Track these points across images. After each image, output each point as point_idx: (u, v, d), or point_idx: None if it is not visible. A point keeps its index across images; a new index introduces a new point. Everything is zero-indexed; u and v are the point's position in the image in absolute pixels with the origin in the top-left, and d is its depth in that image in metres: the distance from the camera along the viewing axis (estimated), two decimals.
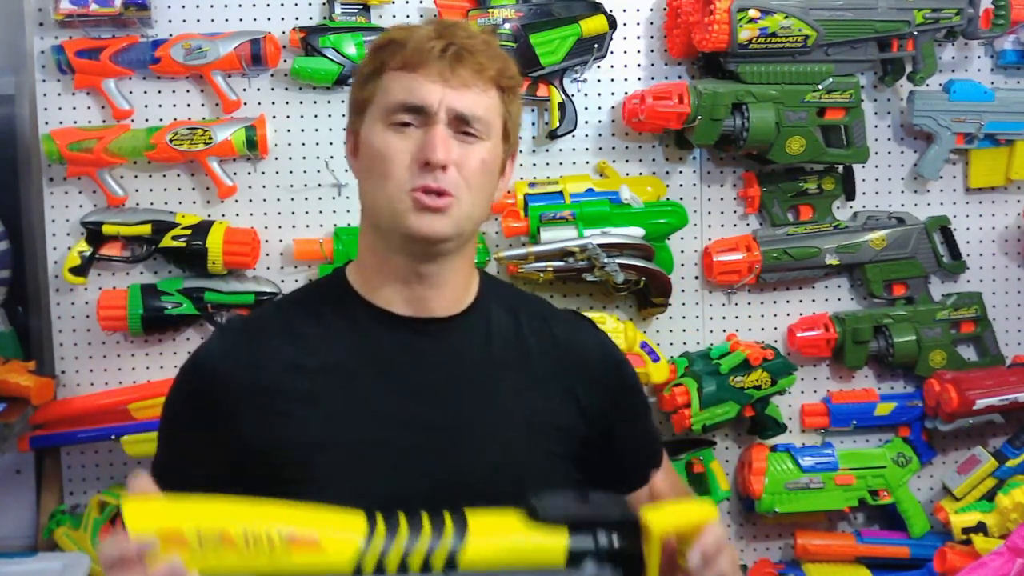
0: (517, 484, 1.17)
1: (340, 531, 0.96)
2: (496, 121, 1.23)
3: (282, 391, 1.20)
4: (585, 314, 2.12)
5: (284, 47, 2.13)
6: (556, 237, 2.09)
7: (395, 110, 1.20)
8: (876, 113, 2.28)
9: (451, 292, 1.26)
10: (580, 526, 1.00)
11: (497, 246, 2.18)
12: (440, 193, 1.17)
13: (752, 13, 2.05)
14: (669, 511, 1.03)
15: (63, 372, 2.14)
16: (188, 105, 2.13)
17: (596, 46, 2.15)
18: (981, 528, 2.11)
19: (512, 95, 1.26)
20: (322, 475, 1.16)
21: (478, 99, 1.20)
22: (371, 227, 1.26)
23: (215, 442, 1.20)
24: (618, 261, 2.08)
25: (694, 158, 2.25)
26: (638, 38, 2.23)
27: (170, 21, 2.11)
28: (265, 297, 2.10)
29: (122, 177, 2.12)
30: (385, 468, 1.17)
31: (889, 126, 2.30)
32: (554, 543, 1.00)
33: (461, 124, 1.19)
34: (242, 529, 0.92)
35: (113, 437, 2.08)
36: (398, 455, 1.17)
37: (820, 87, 2.14)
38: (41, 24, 2.10)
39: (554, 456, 1.24)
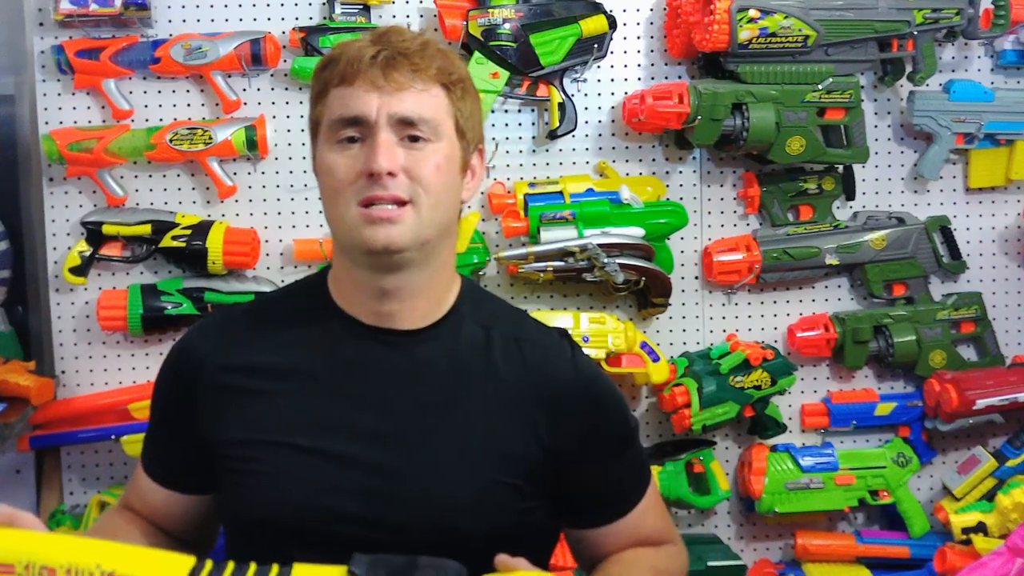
0: (451, 508, 1.17)
1: (162, 572, 0.98)
2: (445, 120, 1.19)
3: (242, 387, 1.22)
4: (587, 315, 2.14)
5: (284, 47, 2.13)
6: (556, 237, 2.09)
7: (336, 127, 1.17)
8: (876, 113, 2.28)
9: (422, 304, 1.23)
10: None
11: (497, 246, 2.18)
12: (393, 202, 1.14)
13: (752, 13, 2.05)
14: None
15: (63, 372, 2.14)
16: (188, 105, 2.13)
17: (596, 46, 2.15)
18: (981, 528, 2.11)
19: (460, 92, 1.21)
20: (264, 472, 1.18)
21: (419, 99, 1.16)
22: (339, 248, 1.25)
23: (185, 426, 1.24)
24: (618, 261, 2.08)
25: (694, 158, 2.25)
26: (638, 38, 2.23)
27: (170, 21, 2.11)
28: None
29: (122, 177, 2.12)
30: (323, 473, 1.17)
31: (889, 126, 2.30)
32: None
33: (405, 128, 1.16)
34: (67, 564, 0.96)
35: (113, 437, 2.08)
36: (338, 462, 1.17)
37: (820, 87, 2.14)
38: (41, 24, 2.10)
39: (497, 482, 1.20)
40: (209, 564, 0.98)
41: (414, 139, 1.17)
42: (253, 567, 0.99)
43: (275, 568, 0.99)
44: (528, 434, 1.22)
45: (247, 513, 1.20)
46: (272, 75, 2.15)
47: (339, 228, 1.20)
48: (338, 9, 2.11)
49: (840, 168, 2.26)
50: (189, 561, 0.98)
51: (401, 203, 1.15)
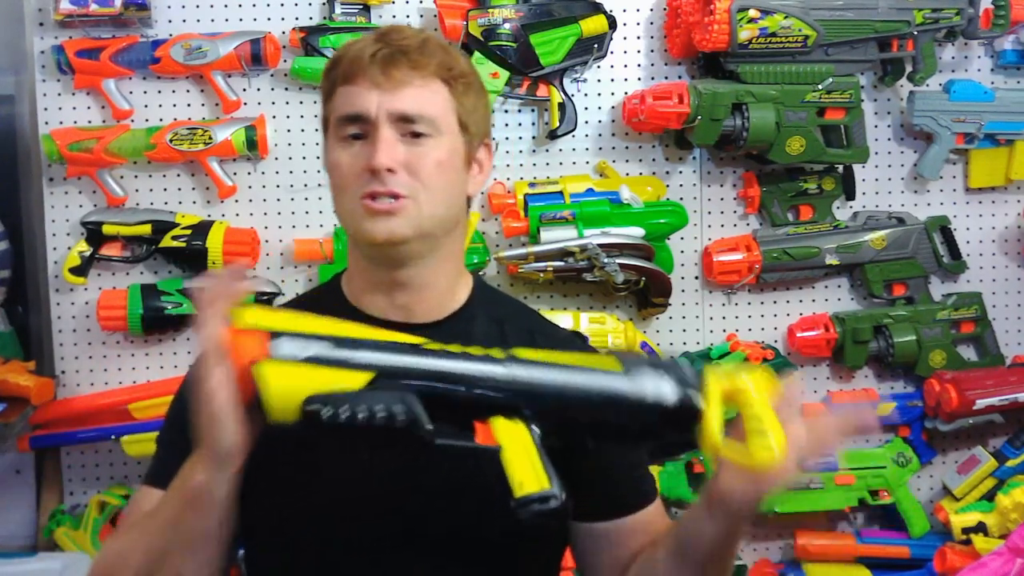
0: (482, 499, 1.14)
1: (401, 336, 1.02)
2: (446, 115, 1.20)
3: None
4: (587, 315, 2.14)
5: (284, 47, 2.13)
6: (556, 237, 2.09)
7: (341, 124, 1.20)
8: (876, 113, 2.28)
9: (435, 296, 1.24)
10: (630, 359, 1.01)
11: (497, 246, 2.18)
12: (391, 196, 1.16)
13: (752, 13, 2.05)
14: (725, 370, 1.01)
15: (63, 372, 2.14)
16: (188, 105, 2.13)
17: (596, 46, 2.15)
18: (981, 528, 2.11)
19: (463, 88, 1.22)
20: (290, 476, 1.17)
21: (418, 95, 1.18)
22: (350, 241, 1.26)
23: None
24: (618, 261, 2.08)
25: (694, 158, 2.25)
26: (638, 38, 2.23)
27: (170, 21, 2.11)
28: (265, 297, 2.10)
29: (122, 177, 2.12)
30: (353, 472, 1.16)
31: (889, 126, 2.30)
32: (608, 359, 1.01)
33: (406, 124, 1.17)
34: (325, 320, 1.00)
35: (113, 437, 2.08)
36: (367, 461, 1.16)
37: (820, 87, 2.14)
38: (41, 24, 2.10)
39: None
40: (436, 345, 1.01)
41: (416, 135, 1.18)
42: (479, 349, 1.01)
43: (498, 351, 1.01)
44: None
45: (272, 512, 1.18)
46: (272, 75, 2.15)
47: (345, 222, 1.21)
48: (338, 9, 2.11)
49: (840, 168, 2.26)
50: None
51: (399, 197, 1.17)
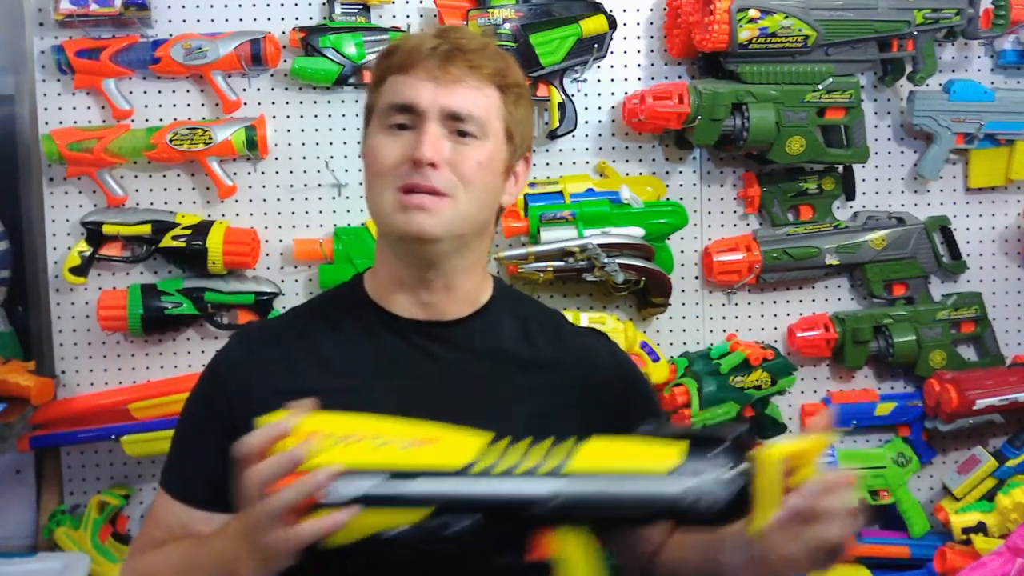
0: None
1: (459, 441, 1.03)
2: (495, 121, 1.21)
3: (292, 393, 1.17)
4: (587, 315, 2.14)
5: (284, 47, 2.13)
6: (556, 237, 2.09)
7: (389, 112, 1.19)
8: (876, 113, 2.28)
9: (458, 297, 1.25)
10: (699, 442, 1.02)
11: (497, 246, 2.18)
12: (431, 192, 1.16)
13: (752, 13, 2.05)
14: (779, 442, 1.03)
15: (63, 372, 2.14)
16: (188, 105, 2.13)
17: (596, 46, 2.15)
18: (981, 528, 2.11)
19: (515, 97, 1.23)
20: None
21: (471, 95, 1.18)
22: (379, 234, 1.26)
23: (225, 441, 1.17)
24: (618, 261, 2.08)
25: (694, 158, 2.25)
26: (638, 38, 2.23)
27: (170, 21, 2.11)
28: (265, 297, 2.10)
29: (122, 177, 2.12)
30: None
31: (889, 126, 2.30)
32: (672, 448, 1.02)
33: (455, 123, 1.18)
34: (374, 434, 1.02)
35: (113, 437, 2.08)
36: None
37: (820, 87, 2.14)
38: (41, 24, 2.10)
39: None
40: (505, 440, 1.03)
41: (462, 134, 1.18)
42: (550, 439, 1.03)
43: (570, 440, 1.03)
44: (577, 416, 1.22)
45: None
46: (272, 75, 2.15)
47: (376, 211, 1.21)
48: (338, 9, 2.11)
49: (840, 168, 2.26)
50: (486, 435, 1.03)
51: (438, 195, 1.16)
